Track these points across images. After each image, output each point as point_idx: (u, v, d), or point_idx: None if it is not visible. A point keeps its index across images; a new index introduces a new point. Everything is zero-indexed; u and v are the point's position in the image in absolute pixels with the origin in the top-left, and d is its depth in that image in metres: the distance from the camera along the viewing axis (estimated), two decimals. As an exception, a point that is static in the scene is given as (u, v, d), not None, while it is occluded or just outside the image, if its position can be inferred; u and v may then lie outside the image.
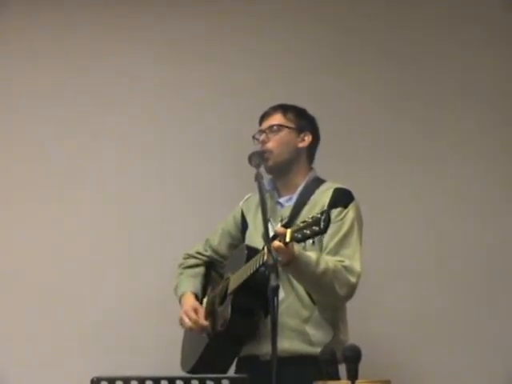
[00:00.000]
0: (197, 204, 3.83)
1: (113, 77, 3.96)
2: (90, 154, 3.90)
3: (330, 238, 2.99)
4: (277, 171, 3.16)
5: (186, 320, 3.08)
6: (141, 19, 4.00)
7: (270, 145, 3.15)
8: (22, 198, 3.85)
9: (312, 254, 2.87)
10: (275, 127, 3.16)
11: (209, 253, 3.31)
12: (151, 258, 3.79)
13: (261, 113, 3.27)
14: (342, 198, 3.05)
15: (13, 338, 3.73)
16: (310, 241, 2.68)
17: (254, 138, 3.21)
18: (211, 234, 3.33)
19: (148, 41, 3.98)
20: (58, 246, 3.82)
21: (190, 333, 3.15)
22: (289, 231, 2.66)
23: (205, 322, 3.06)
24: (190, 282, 3.24)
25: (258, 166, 2.96)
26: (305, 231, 2.62)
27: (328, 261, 2.90)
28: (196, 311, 3.09)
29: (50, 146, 3.91)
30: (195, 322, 3.06)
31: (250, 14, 4.00)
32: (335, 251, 2.97)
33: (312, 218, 2.62)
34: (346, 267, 2.92)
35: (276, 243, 2.68)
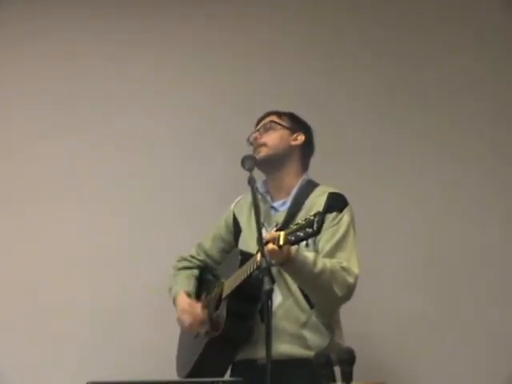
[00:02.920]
0: (197, 206, 3.83)
1: (112, 80, 3.98)
2: (87, 157, 3.92)
3: (325, 242, 2.99)
4: (268, 165, 3.15)
5: (184, 317, 3.07)
6: (141, 24, 4.02)
7: (263, 139, 3.17)
8: (21, 200, 3.87)
9: (309, 255, 2.87)
10: (269, 124, 3.19)
11: (202, 257, 3.30)
12: (150, 259, 3.80)
13: (255, 113, 3.30)
14: (336, 203, 3.05)
15: (11, 339, 3.74)
16: (304, 243, 2.69)
17: (248, 140, 3.22)
18: (203, 239, 3.32)
19: (147, 45, 4.00)
20: (58, 248, 3.83)
21: (188, 334, 3.15)
22: (282, 234, 2.66)
23: (203, 315, 3.05)
24: (184, 283, 3.24)
25: (251, 170, 2.95)
26: (298, 233, 2.61)
27: (326, 261, 2.89)
28: (192, 306, 3.09)
29: (50, 150, 3.93)
30: (194, 317, 3.05)
31: (245, 17, 4.02)
32: (331, 254, 2.96)
33: (305, 220, 2.62)
34: (343, 268, 2.92)
35: (270, 246, 2.68)
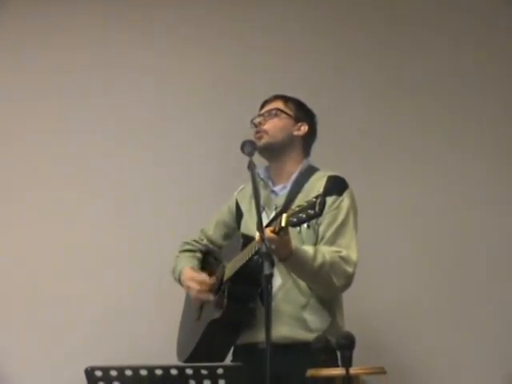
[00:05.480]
0: (197, 202, 3.82)
1: (110, 71, 3.96)
2: (86, 151, 3.91)
3: (326, 228, 3.00)
4: (268, 152, 3.16)
5: (193, 284, 3.09)
6: (140, 13, 4.01)
7: (265, 126, 3.17)
8: (22, 197, 3.87)
9: (309, 249, 2.88)
10: (273, 111, 3.19)
11: (204, 242, 3.32)
12: (151, 254, 3.81)
13: (257, 100, 3.29)
14: (336, 186, 3.05)
15: (11, 335, 3.75)
16: (305, 225, 2.66)
17: (252, 122, 3.22)
18: (206, 225, 3.34)
19: (147, 34, 3.99)
20: (58, 244, 3.83)
21: (189, 317, 3.17)
22: (284, 216, 2.65)
23: (211, 280, 3.06)
24: (188, 261, 3.26)
25: (250, 155, 2.95)
26: (300, 215, 2.61)
27: (325, 253, 2.90)
28: (199, 275, 3.13)
29: (48, 147, 3.92)
30: (201, 282, 3.07)
31: (248, 3, 4.01)
32: (332, 241, 2.97)
33: (307, 202, 2.62)
34: (342, 258, 2.93)
35: (268, 233, 2.67)
